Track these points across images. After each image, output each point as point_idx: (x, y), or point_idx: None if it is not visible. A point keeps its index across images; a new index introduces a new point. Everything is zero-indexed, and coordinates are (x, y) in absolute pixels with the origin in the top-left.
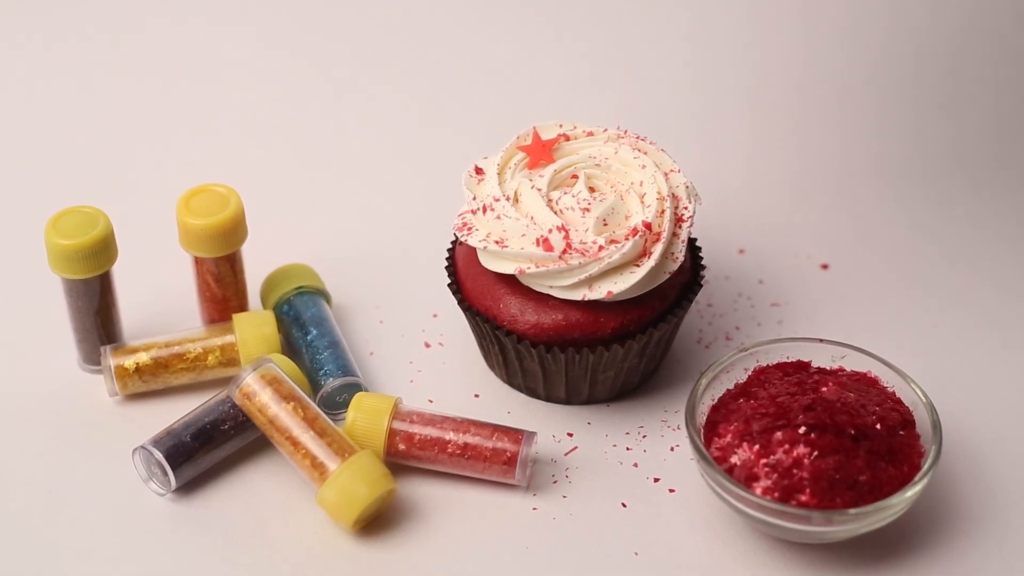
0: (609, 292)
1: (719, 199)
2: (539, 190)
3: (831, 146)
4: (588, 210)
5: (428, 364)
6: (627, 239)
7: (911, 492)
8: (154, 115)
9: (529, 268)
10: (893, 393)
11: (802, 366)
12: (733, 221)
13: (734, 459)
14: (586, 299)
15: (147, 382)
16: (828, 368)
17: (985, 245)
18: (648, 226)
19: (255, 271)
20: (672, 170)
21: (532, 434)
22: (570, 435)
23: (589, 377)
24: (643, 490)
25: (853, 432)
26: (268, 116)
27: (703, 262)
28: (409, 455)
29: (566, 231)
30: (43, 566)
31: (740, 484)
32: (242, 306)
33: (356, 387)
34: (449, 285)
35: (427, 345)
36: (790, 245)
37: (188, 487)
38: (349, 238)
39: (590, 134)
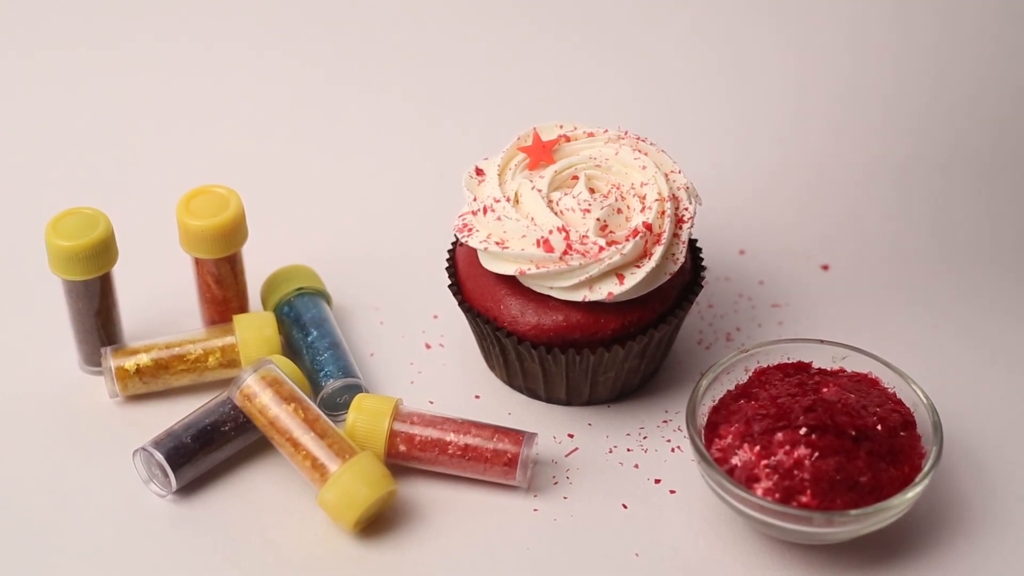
0: (610, 293)
1: (719, 200)
2: (539, 191)
3: (832, 147)
4: (588, 211)
5: (428, 365)
6: (628, 240)
7: (912, 493)
8: (154, 116)
9: (530, 269)
10: (894, 394)
11: (803, 367)
12: (733, 222)
13: (735, 460)
14: (587, 300)
15: (147, 383)
16: (829, 369)
17: (985, 245)
18: (649, 227)
19: (255, 272)
20: (672, 171)
21: (533, 435)
22: (571, 436)
23: (590, 378)
24: (644, 491)
25: (854, 433)
26: (268, 117)
27: (703, 263)
28: (410, 456)
29: (566, 232)
30: (43, 567)
31: (741, 485)
32: (243, 307)
33: (357, 388)
34: (450, 286)
35: (427, 346)
36: (790, 246)
37: (188, 488)
38: (349, 239)
39: (590, 135)
